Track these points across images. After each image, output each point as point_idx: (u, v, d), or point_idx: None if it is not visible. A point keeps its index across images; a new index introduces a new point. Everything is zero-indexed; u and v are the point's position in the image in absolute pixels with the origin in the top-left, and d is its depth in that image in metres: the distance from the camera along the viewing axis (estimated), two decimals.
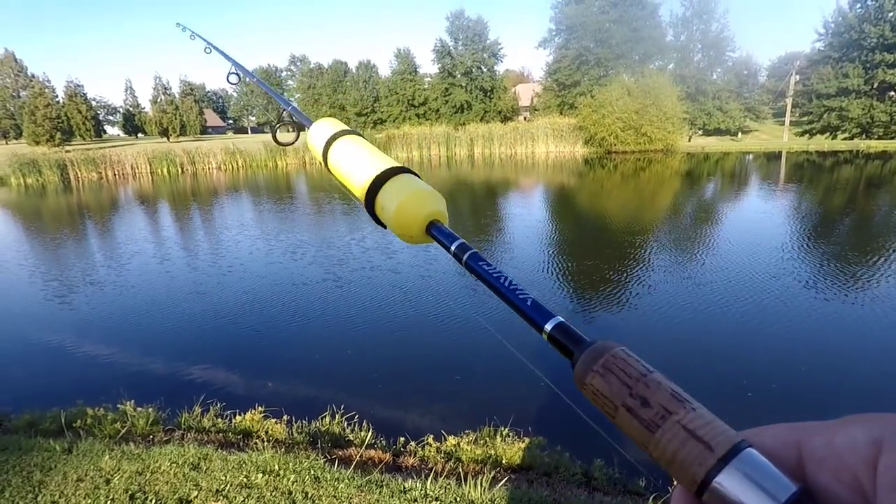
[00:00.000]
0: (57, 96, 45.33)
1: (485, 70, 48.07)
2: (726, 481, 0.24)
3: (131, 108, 56.92)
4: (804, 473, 0.24)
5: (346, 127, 0.75)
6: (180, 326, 6.17)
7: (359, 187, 0.63)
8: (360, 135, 0.73)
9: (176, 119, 51.09)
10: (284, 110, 0.93)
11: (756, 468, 0.24)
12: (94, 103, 53.00)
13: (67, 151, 33.98)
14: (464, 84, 48.07)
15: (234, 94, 78.74)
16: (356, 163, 0.66)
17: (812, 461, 0.24)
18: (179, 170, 31.21)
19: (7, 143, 46.51)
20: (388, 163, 0.62)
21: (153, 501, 2.55)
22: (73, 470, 2.83)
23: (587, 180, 22.22)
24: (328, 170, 0.72)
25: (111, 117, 70.18)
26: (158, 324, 6.24)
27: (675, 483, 0.28)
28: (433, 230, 0.54)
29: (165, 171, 30.75)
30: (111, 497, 2.61)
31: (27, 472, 2.83)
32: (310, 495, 2.62)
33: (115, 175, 30.14)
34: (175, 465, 2.87)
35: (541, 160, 32.07)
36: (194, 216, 15.96)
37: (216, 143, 36.27)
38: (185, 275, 8.40)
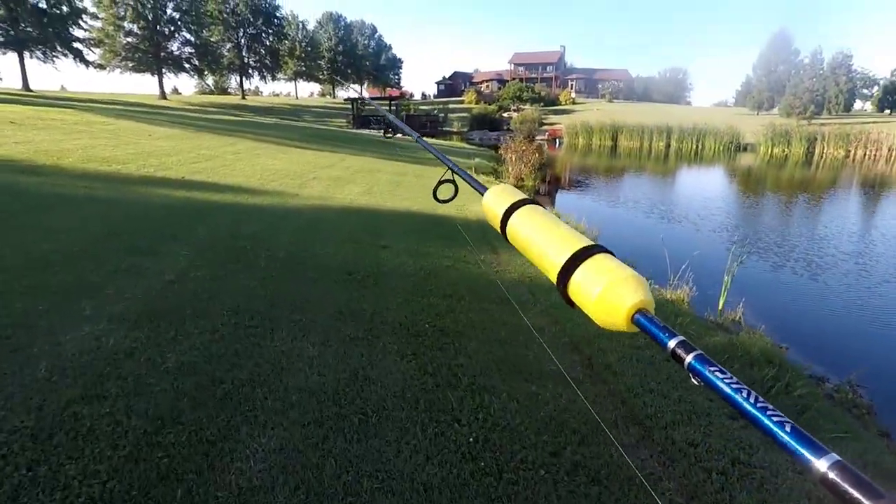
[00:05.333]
0: (822, 67, 45.60)
1: None
2: None
3: None
4: None
5: (523, 195, 0.72)
6: None
7: (548, 265, 0.57)
8: (538, 204, 0.69)
9: None
10: (450, 170, 0.99)
11: None
12: (854, 75, 50.28)
13: (822, 125, 32.51)
14: None
15: None
16: (543, 238, 0.61)
17: None
18: None
19: (758, 114, 50.17)
20: (581, 240, 0.57)
21: None
22: None
23: None
24: (507, 240, 0.69)
25: (865, 90, 61.20)
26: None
27: None
28: (641, 320, 0.47)
29: None
30: None
31: None
32: None
33: (864, 155, 26.32)
34: None
35: None
36: None
37: None
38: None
